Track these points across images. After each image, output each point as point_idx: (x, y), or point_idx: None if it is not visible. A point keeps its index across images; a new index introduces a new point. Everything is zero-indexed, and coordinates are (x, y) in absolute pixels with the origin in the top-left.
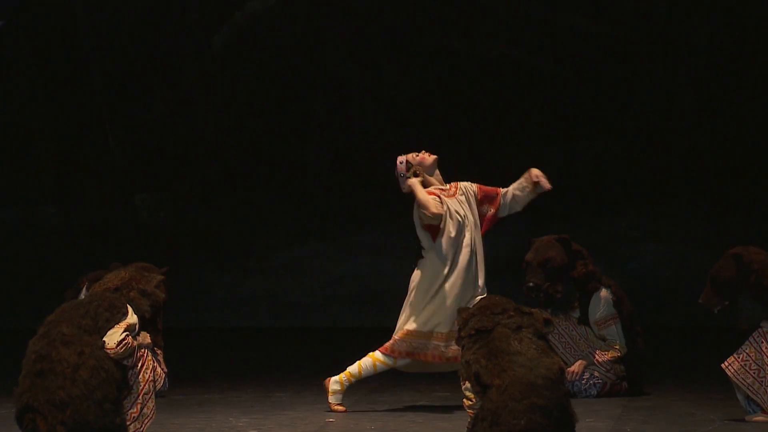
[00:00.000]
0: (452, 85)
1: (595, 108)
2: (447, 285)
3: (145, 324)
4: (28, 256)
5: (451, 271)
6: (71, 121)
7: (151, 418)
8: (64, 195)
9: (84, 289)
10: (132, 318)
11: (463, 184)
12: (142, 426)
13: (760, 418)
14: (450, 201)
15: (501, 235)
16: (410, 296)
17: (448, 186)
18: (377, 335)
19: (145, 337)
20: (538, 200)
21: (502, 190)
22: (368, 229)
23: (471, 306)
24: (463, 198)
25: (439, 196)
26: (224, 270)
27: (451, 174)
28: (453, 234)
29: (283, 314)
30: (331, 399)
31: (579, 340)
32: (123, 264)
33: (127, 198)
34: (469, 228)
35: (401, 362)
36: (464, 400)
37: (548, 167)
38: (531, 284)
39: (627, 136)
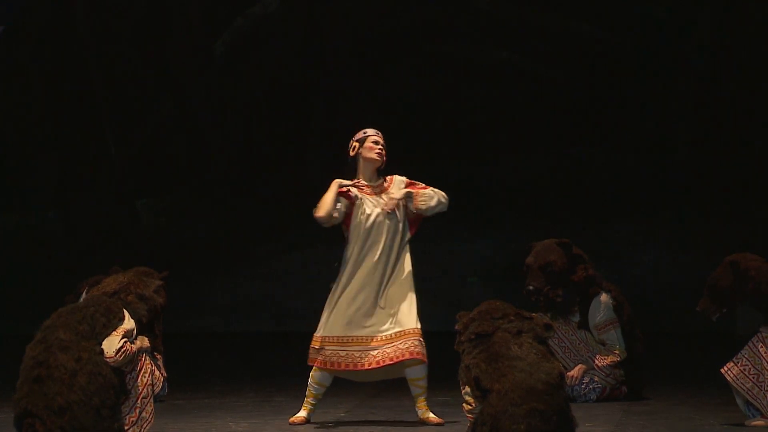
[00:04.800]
0: (451, 90)
1: (597, 114)
2: (347, 289)
3: (142, 328)
4: (28, 261)
5: (353, 274)
6: (72, 126)
7: (150, 422)
8: (64, 200)
9: (84, 293)
10: (129, 323)
11: (397, 179)
12: (141, 430)
13: (759, 422)
14: (369, 199)
15: (501, 238)
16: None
17: (381, 179)
18: None
19: (143, 341)
20: (540, 205)
21: (429, 189)
22: None
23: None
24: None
25: (348, 195)
26: (224, 274)
27: (450, 179)
28: (359, 235)
29: (284, 319)
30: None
31: (579, 344)
32: (123, 269)
33: (127, 203)
34: (383, 231)
35: (317, 374)
36: (464, 404)
37: (549, 173)
38: (531, 288)
39: (628, 142)
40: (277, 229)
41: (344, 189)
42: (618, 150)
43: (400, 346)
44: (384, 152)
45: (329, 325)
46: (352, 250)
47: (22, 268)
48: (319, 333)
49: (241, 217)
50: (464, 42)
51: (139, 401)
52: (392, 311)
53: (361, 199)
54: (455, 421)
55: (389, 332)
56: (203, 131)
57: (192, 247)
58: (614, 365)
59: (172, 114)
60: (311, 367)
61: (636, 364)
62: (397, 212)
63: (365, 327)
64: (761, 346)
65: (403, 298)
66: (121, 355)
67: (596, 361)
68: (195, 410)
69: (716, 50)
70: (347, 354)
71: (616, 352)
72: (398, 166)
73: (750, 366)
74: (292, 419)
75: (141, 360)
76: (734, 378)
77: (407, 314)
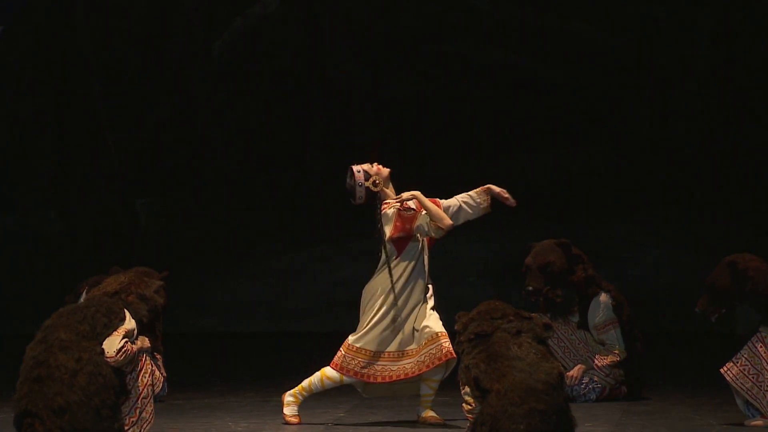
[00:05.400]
0: (451, 91)
1: (596, 114)
2: (399, 302)
3: (143, 329)
4: (28, 262)
5: (405, 288)
6: (72, 126)
7: (149, 422)
8: (64, 200)
9: (84, 293)
10: (130, 323)
11: (406, 195)
12: (141, 430)
13: (759, 422)
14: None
15: (500, 239)
16: (365, 308)
17: (398, 197)
18: None
19: (144, 341)
20: (540, 205)
21: (444, 203)
22: (367, 235)
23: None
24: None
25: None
26: (224, 275)
27: (450, 179)
28: (416, 249)
29: (283, 319)
30: (286, 411)
31: (578, 344)
32: (123, 269)
33: (127, 203)
34: (420, 243)
35: (348, 380)
36: (463, 404)
37: (549, 173)
38: (530, 288)
39: (628, 142)
40: (276, 229)
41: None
42: (618, 150)
43: (433, 352)
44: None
45: (383, 339)
46: (407, 262)
47: (22, 268)
48: (360, 344)
49: (241, 217)
50: (464, 42)
51: (139, 401)
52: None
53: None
54: (455, 421)
55: (417, 345)
56: (203, 131)
57: (191, 247)
58: (614, 365)
59: (171, 114)
60: (307, 366)
61: (635, 364)
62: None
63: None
64: (760, 346)
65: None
66: (121, 355)
67: (596, 361)
68: (194, 410)
69: (717, 49)
70: (382, 366)
71: (616, 352)
72: (399, 165)
73: (749, 366)
74: (288, 418)
75: (141, 360)
76: (734, 378)
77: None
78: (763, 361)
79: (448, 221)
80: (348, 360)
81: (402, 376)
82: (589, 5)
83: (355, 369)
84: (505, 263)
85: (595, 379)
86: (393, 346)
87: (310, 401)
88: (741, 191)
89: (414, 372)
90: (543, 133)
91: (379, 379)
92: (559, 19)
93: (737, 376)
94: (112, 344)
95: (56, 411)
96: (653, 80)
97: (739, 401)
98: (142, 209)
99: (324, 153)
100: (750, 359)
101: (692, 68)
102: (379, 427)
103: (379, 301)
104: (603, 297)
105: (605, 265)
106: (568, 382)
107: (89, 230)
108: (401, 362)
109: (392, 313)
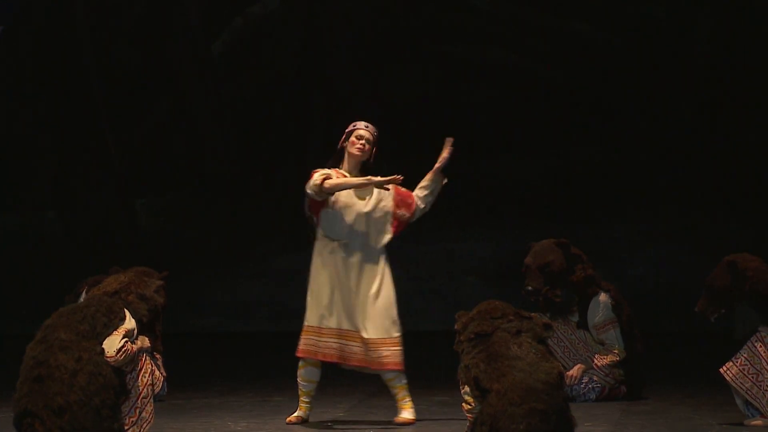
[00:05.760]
0: (450, 90)
1: (596, 114)
2: (321, 277)
3: (143, 328)
4: (28, 261)
5: (326, 262)
6: (71, 126)
7: (149, 422)
8: (63, 200)
9: (83, 293)
10: (130, 323)
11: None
12: (140, 430)
13: (758, 422)
14: (346, 193)
15: (500, 239)
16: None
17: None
18: None
19: (144, 341)
20: (540, 204)
21: (415, 195)
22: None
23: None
24: (375, 193)
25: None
26: (223, 274)
27: (450, 179)
28: (336, 220)
29: (282, 319)
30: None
31: (578, 344)
32: (123, 268)
33: (126, 203)
34: (358, 225)
35: (305, 363)
36: (463, 404)
37: (548, 172)
38: (530, 288)
39: (628, 142)
40: (276, 229)
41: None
42: (618, 150)
43: (374, 356)
44: (367, 147)
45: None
46: (324, 241)
47: (22, 268)
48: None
49: (241, 217)
50: (464, 42)
51: (139, 401)
52: (372, 314)
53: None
54: (456, 421)
55: (369, 336)
56: (202, 131)
57: (191, 247)
58: (613, 365)
59: (171, 114)
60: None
61: (635, 364)
62: (376, 209)
63: (347, 321)
64: (760, 346)
65: (381, 304)
66: (121, 355)
67: (595, 361)
68: (194, 410)
69: (716, 49)
70: (339, 346)
71: (615, 351)
72: (398, 165)
73: (749, 366)
74: (289, 418)
75: (141, 360)
76: (733, 378)
77: (387, 320)
78: (763, 360)
79: (311, 180)
80: (302, 341)
81: (351, 363)
82: (589, 5)
83: (307, 348)
84: (505, 263)
85: (595, 378)
86: (332, 323)
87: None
88: (741, 191)
89: (362, 365)
90: (543, 133)
91: (329, 358)
92: (559, 19)
93: (737, 376)
94: (112, 344)
95: (56, 411)
96: (653, 80)
97: (738, 401)
98: (142, 209)
99: (324, 153)
100: (749, 359)
101: (692, 68)
102: (379, 427)
103: (311, 275)
104: (602, 297)
105: (605, 265)
106: (567, 381)
107: (89, 230)
108: (345, 343)
109: (322, 289)
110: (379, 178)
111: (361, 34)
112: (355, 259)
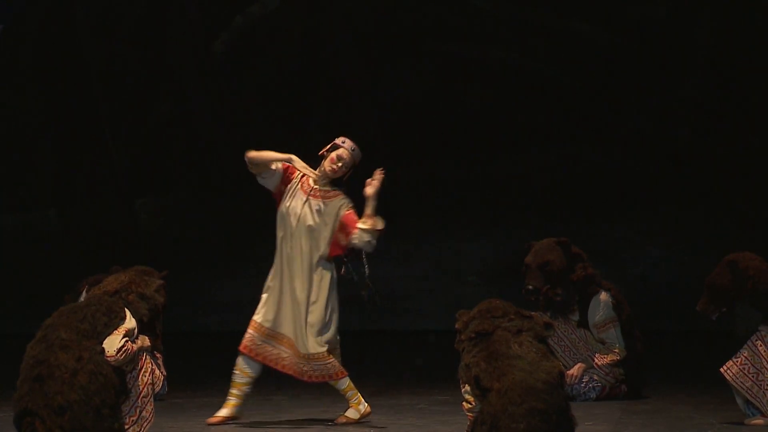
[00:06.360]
0: (451, 90)
1: (596, 113)
2: (276, 278)
3: (143, 328)
4: (28, 261)
5: (280, 263)
6: (71, 125)
7: (149, 421)
8: (64, 199)
9: (84, 292)
10: (130, 322)
11: (341, 201)
12: (141, 429)
13: (759, 421)
14: (301, 194)
15: (500, 238)
16: None
17: (331, 189)
18: (376, 338)
19: (144, 341)
20: (540, 204)
21: (358, 230)
22: None
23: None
24: (327, 207)
25: (289, 172)
26: (224, 274)
27: (450, 179)
28: (285, 223)
29: None
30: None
31: (578, 343)
32: (123, 268)
33: (127, 202)
34: (298, 234)
35: (243, 360)
36: (463, 403)
37: (548, 172)
38: (530, 287)
39: (628, 141)
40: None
41: (287, 165)
42: (618, 149)
43: (304, 368)
44: (342, 170)
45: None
46: (279, 237)
47: (22, 268)
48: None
49: (241, 216)
50: (464, 42)
51: (139, 400)
52: (305, 327)
53: (295, 188)
54: (456, 420)
55: (305, 350)
56: (202, 130)
57: (191, 247)
58: (614, 364)
59: (171, 113)
60: None
61: (635, 363)
62: (323, 225)
63: (288, 327)
64: (760, 345)
65: (313, 318)
66: (122, 355)
67: (596, 360)
68: (194, 409)
69: (717, 50)
70: (275, 350)
71: (616, 350)
72: (398, 165)
73: (749, 365)
74: (209, 420)
75: (141, 359)
76: (734, 377)
77: (315, 336)
78: (763, 360)
79: (251, 153)
80: (246, 336)
81: (281, 369)
82: (589, 5)
83: (247, 344)
84: (506, 263)
85: (595, 378)
86: (269, 323)
87: (309, 400)
88: (741, 191)
89: (294, 373)
90: (543, 132)
91: (260, 359)
92: (560, 19)
93: (737, 375)
94: (113, 343)
95: (56, 410)
96: (653, 80)
97: (739, 400)
98: (142, 209)
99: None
100: (750, 358)
101: (692, 68)
102: (380, 426)
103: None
104: (603, 296)
105: (605, 265)
106: (568, 381)
107: (89, 229)
108: (277, 346)
109: (272, 290)
110: (302, 164)
111: (361, 34)
112: (299, 266)
